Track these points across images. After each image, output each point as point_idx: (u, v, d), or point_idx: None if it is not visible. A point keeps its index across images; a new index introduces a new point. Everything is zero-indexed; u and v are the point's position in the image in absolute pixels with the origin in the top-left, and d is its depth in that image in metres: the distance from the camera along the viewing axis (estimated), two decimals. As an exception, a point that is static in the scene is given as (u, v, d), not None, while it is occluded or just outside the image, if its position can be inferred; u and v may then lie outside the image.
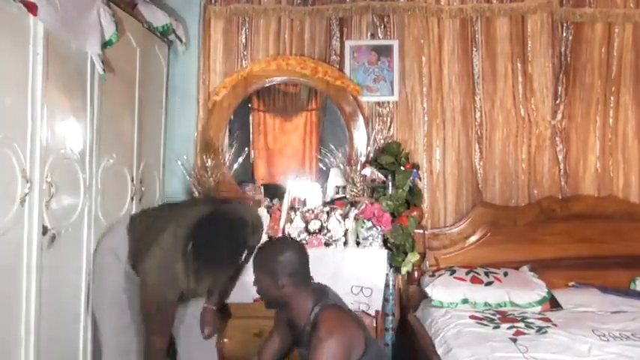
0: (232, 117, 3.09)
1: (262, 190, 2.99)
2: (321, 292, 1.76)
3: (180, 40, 2.96)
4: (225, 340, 2.46)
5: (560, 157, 3.11)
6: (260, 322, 2.36)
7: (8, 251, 1.55)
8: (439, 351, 2.13)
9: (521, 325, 2.28)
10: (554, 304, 2.60)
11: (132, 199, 2.41)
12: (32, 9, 1.64)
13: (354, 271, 2.54)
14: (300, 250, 1.78)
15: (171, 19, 2.80)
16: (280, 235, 2.64)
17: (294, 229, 2.68)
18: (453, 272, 2.70)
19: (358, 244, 2.65)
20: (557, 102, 3.11)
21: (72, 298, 1.96)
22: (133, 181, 2.42)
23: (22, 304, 1.62)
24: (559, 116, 3.11)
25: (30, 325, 1.65)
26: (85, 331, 2.03)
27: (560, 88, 3.11)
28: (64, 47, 1.83)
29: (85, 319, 2.03)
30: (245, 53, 3.11)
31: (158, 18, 2.70)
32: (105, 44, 2.05)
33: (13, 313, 1.59)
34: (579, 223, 2.94)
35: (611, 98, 3.10)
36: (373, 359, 1.71)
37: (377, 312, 2.52)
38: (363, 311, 2.47)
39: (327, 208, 2.74)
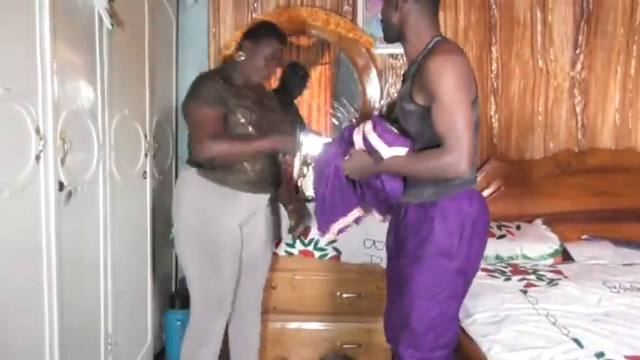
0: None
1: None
2: (436, 31, 1.63)
3: (189, -8, 2.89)
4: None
5: (578, 110, 3.05)
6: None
7: (27, 207, 1.59)
8: (450, 302, 2.17)
9: (533, 277, 2.30)
10: (567, 257, 2.61)
11: (146, 155, 2.43)
12: (37, -38, 1.61)
13: (367, 224, 2.55)
14: None
15: (178, -30, 2.73)
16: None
17: (307, 184, 2.69)
18: (465, 225, 2.70)
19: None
20: (577, 52, 3.01)
21: (91, 253, 2.02)
22: (146, 137, 2.43)
23: (42, 258, 1.67)
24: (578, 67, 3.02)
25: (52, 278, 1.70)
26: (105, 283, 2.10)
27: (580, 38, 3.00)
28: (70, 1, 1.81)
29: (105, 272, 2.09)
30: (255, 5, 3.04)
31: (165, -31, 2.64)
32: (112, -3, 2.01)
33: (35, 265, 1.65)
34: (595, 177, 2.91)
35: (634, 47, 2.99)
36: (476, 119, 1.55)
37: (389, 265, 2.56)
38: (375, 264, 2.51)
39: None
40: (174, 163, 2.93)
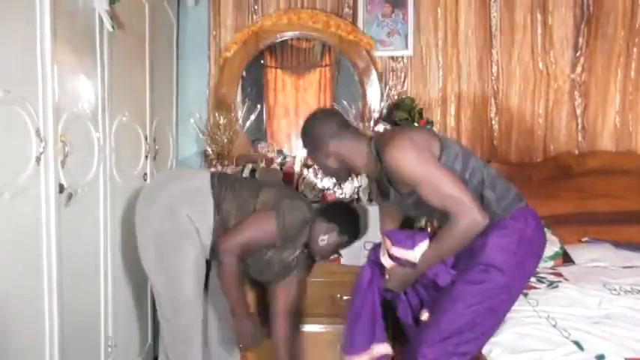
0: (244, 74, 3.06)
1: (275, 147, 3.00)
2: (366, 136, 1.71)
3: (190, -5, 2.90)
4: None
5: (579, 112, 3.05)
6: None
7: (27, 209, 1.59)
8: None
9: (533, 279, 2.29)
10: (567, 260, 2.61)
11: (146, 157, 2.43)
12: (37, -36, 1.61)
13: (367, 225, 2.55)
14: (327, 112, 1.81)
15: (179, -27, 2.74)
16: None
17: (308, 186, 2.69)
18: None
19: (371, 200, 2.66)
20: (577, 54, 3.01)
21: (91, 254, 2.02)
22: (146, 139, 2.43)
23: (43, 260, 1.67)
24: (578, 69, 3.02)
25: (52, 280, 1.70)
26: (105, 285, 2.10)
27: (580, 40, 3.01)
28: (71, 4, 1.81)
29: (105, 274, 2.09)
30: (256, 7, 3.05)
31: (166, -28, 2.64)
32: (112, 0, 2.02)
33: (36, 268, 1.64)
34: (596, 179, 2.91)
35: (634, 50, 2.99)
36: (459, 155, 1.59)
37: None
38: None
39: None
40: (174, 165, 2.93)
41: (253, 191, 2.05)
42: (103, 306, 2.09)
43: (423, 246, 1.65)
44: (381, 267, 1.80)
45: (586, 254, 2.64)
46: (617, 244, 2.71)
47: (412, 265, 1.67)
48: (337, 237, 2.06)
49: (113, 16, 2.01)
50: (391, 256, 1.73)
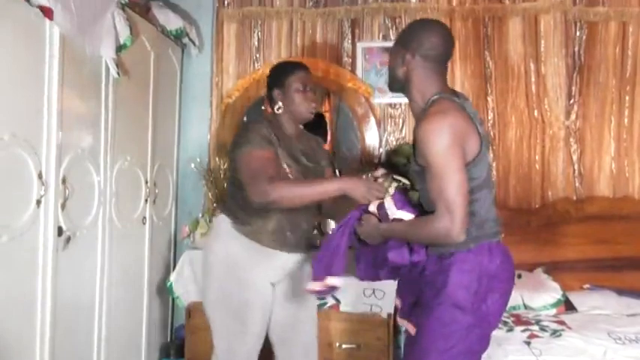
0: (245, 118, 3.11)
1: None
2: (453, 91, 1.62)
3: (194, 43, 2.98)
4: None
5: (575, 158, 3.08)
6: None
7: (25, 252, 1.58)
8: (452, 353, 2.12)
9: (536, 328, 2.26)
10: (569, 307, 2.57)
11: (146, 201, 2.44)
12: (48, 13, 1.67)
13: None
14: (447, 36, 1.61)
15: (184, 23, 2.83)
16: None
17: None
18: (465, 274, 2.67)
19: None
20: (571, 102, 3.08)
21: (87, 298, 1.99)
22: (147, 182, 2.44)
23: (37, 303, 1.64)
24: (573, 116, 3.07)
25: (45, 324, 1.67)
26: (99, 330, 2.05)
27: (573, 88, 3.07)
28: (79, 50, 1.86)
29: (100, 317, 2.05)
30: (257, 55, 3.13)
31: (172, 21, 2.73)
32: (119, 48, 2.08)
33: (29, 312, 1.62)
34: (594, 225, 2.91)
35: (626, 98, 3.05)
36: (485, 166, 1.53)
37: (389, 314, 2.52)
38: (375, 313, 2.47)
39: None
40: (174, 209, 2.93)
41: None
42: (96, 351, 2.05)
43: (405, 215, 1.60)
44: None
45: (588, 301, 2.61)
46: (620, 291, 2.69)
47: (387, 220, 1.63)
48: (279, 90, 1.89)
49: (119, 63, 2.06)
50: (380, 206, 1.66)
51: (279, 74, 1.93)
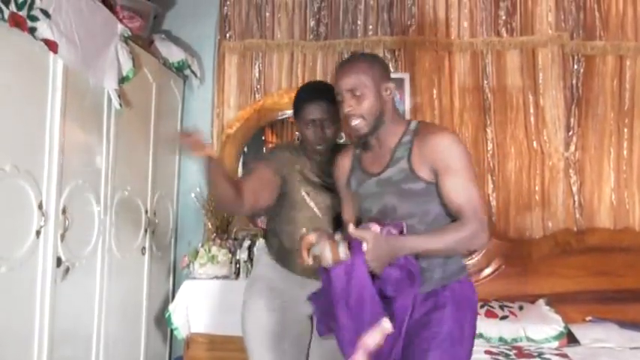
0: (245, 149, 3.13)
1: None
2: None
3: (195, 75, 3.03)
4: None
5: (575, 189, 3.08)
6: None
7: (23, 282, 1.58)
8: (453, 388, 2.08)
9: (538, 362, 2.23)
10: (572, 340, 2.54)
11: (145, 231, 2.43)
12: (53, 47, 1.70)
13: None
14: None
15: (186, 55, 2.88)
16: None
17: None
18: (466, 306, 2.65)
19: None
20: (570, 134, 3.10)
21: (85, 329, 1.97)
22: (147, 213, 2.44)
23: (35, 334, 1.63)
24: (572, 148, 3.09)
25: (42, 355, 1.65)
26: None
27: (572, 120, 3.10)
28: (82, 82, 1.89)
29: (97, 349, 2.03)
30: (258, 87, 3.17)
31: (174, 54, 2.78)
32: (122, 80, 2.11)
33: (27, 343, 1.60)
34: (595, 256, 2.89)
35: (625, 130, 3.07)
36: None
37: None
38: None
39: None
40: (173, 239, 2.92)
41: None
42: (92, 386, 2.01)
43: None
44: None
45: (591, 334, 2.58)
46: (622, 324, 2.65)
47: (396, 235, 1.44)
48: (296, 121, 1.86)
49: (121, 94, 2.09)
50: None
51: (295, 103, 1.87)
